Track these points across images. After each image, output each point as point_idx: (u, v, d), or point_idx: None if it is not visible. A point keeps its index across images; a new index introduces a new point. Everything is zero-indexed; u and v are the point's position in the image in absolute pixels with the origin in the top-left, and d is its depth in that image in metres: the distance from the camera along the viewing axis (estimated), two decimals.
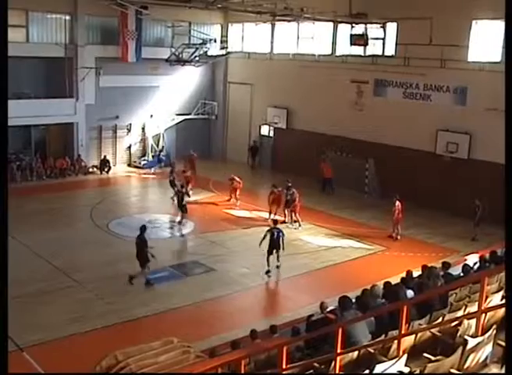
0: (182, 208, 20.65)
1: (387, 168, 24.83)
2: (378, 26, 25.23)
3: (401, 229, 20.19)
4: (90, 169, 28.94)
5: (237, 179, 24.30)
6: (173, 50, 29.80)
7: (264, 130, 31.42)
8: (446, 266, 12.40)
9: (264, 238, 16.57)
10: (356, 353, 6.69)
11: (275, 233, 16.54)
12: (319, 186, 26.12)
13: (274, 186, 22.06)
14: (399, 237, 19.87)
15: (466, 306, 8.14)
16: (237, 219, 22.09)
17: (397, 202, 19.95)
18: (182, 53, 29.68)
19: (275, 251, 16.52)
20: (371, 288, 10.29)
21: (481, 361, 5.80)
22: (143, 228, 15.62)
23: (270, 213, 21.36)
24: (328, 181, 26.13)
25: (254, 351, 7.31)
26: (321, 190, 26.09)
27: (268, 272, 16.41)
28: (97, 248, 18.43)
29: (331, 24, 27.00)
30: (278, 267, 16.74)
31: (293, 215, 21.26)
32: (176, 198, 21.44)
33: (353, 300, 9.39)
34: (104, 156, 29.42)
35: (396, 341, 6.36)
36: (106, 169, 28.99)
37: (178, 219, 20.95)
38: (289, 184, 21.65)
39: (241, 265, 17.28)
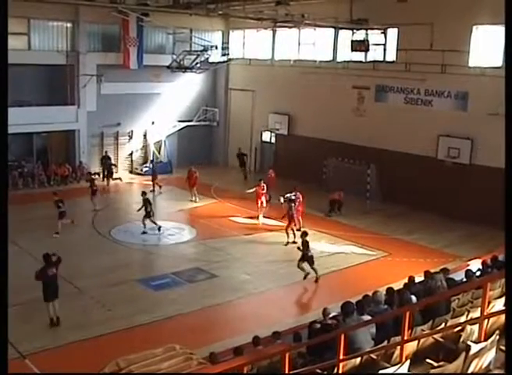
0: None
1: (389, 173, 24.80)
2: (379, 31, 25.24)
3: (302, 223, 20.71)
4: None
5: (193, 169, 24.98)
6: (175, 57, 29.89)
7: (266, 136, 31.45)
8: (445, 272, 12.38)
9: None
10: (358, 359, 6.67)
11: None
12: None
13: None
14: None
15: (468, 312, 8.12)
16: (239, 226, 22.06)
17: (297, 193, 20.89)
18: (183, 60, 29.77)
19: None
20: (373, 294, 10.25)
21: (484, 367, 5.77)
22: None
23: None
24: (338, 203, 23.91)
25: (256, 358, 7.28)
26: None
27: None
28: (99, 254, 18.43)
29: (332, 30, 27.06)
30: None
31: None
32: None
33: (356, 306, 9.36)
34: (106, 152, 28.88)
35: (398, 347, 6.33)
36: (108, 171, 27.96)
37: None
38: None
39: (243, 271, 17.26)
